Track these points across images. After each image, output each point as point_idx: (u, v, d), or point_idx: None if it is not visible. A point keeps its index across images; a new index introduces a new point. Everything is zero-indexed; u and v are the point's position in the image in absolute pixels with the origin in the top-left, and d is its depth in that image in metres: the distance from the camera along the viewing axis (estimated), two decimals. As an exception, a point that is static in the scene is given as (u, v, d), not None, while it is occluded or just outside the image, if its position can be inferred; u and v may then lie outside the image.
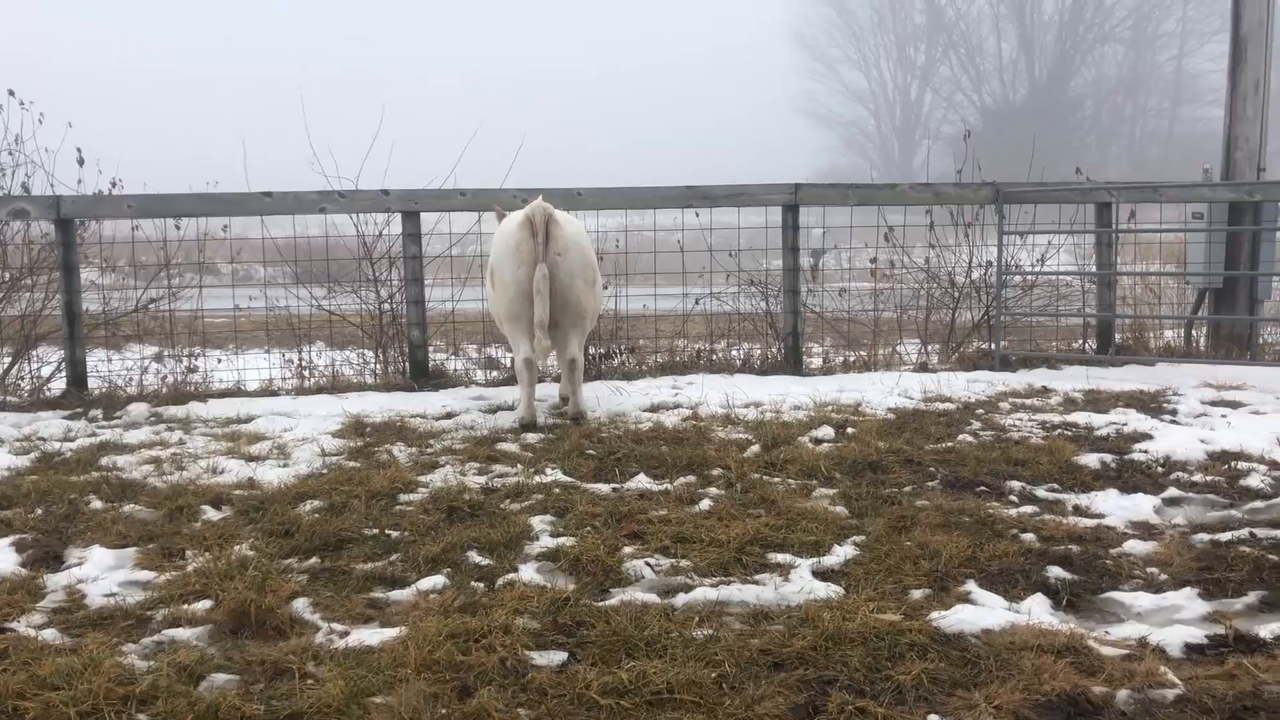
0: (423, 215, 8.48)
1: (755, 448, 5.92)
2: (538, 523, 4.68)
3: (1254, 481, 5.30)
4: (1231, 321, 9.48)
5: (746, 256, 9.65)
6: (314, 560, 4.34)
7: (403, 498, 5.13)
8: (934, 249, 9.85)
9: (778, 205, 8.86)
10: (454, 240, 8.98)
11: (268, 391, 8.38)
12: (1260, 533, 4.51)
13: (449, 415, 7.11)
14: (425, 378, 8.46)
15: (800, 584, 3.98)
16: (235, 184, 8.66)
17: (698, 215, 9.07)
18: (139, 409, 7.43)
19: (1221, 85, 9.87)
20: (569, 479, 5.40)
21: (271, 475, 5.56)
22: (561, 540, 4.46)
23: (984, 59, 59.93)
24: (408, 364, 8.61)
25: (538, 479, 5.38)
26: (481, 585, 4.03)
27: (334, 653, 3.45)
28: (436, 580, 4.07)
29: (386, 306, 8.97)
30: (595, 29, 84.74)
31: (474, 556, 4.32)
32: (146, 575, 4.22)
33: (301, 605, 3.86)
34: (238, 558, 4.27)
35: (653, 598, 3.87)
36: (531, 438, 6.34)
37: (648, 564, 4.19)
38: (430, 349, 8.87)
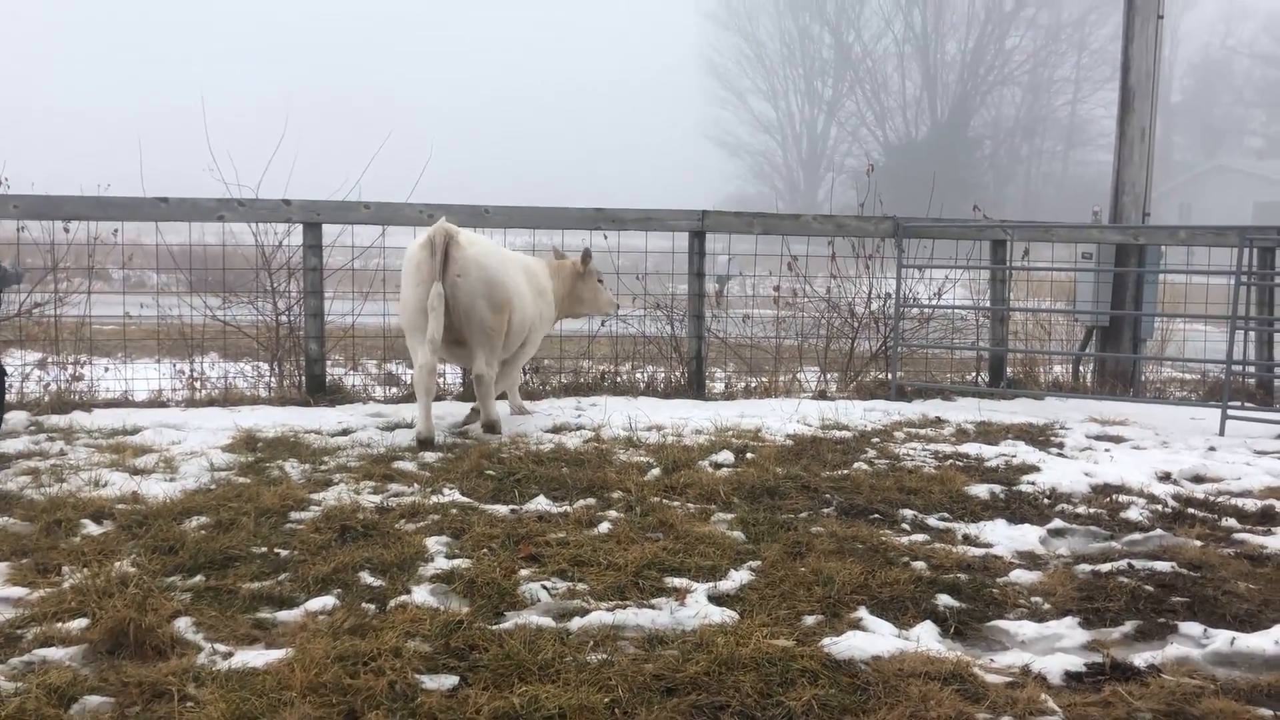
0: (325, 227, 8.33)
1: (656, 471, 5.94)
2: (433, 544, 4.61)
3: (1133, 514, 5.50)
4: (1116, 359, 9.83)
5: (653, 280, 9.70)
6: (199, 578, 4.20)
7: (294, 516, 5.01)
8: (835, 279, 10.02)
9: (685, 231, 8.93)
10: (356, 253, 8.83)
11: (157, 403, 8.11)
12: (1138, 564, 4.67)
13: (345, 432, 6.97)
14: (322, 393, 8.28)
15: (696, 608, 3.99)
16: (132, 189, 8.40)
17: (605, 238, 9.09)
18: (18, 417, 7.13)
19: (1111, 131, 10.27)
20: (467, 499, 5.34)
21: (157, 489, 5.38)
22: (457, 562, 4.40)
23: (888, 96, 61.50)
24: (304, 378, 8.43)
25: (435, 499, 5.30)
26: (373, 606, 3.95)
27: (216, 674, 3.34)
28: (326, 601, 3.98)
29: (284, 319, 8.77)
30: (509, 48, 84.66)
31: (366, 577, 4.23)
32: (18, 592, 4.04)
33: (184, 625, 3.74)
34: (118, 574, 4.11)
35: (548, 621, 3.85)
36: (430, 457, 6.26)
37: (544, 587, 4.15)
38: (328, 363, 8.69)
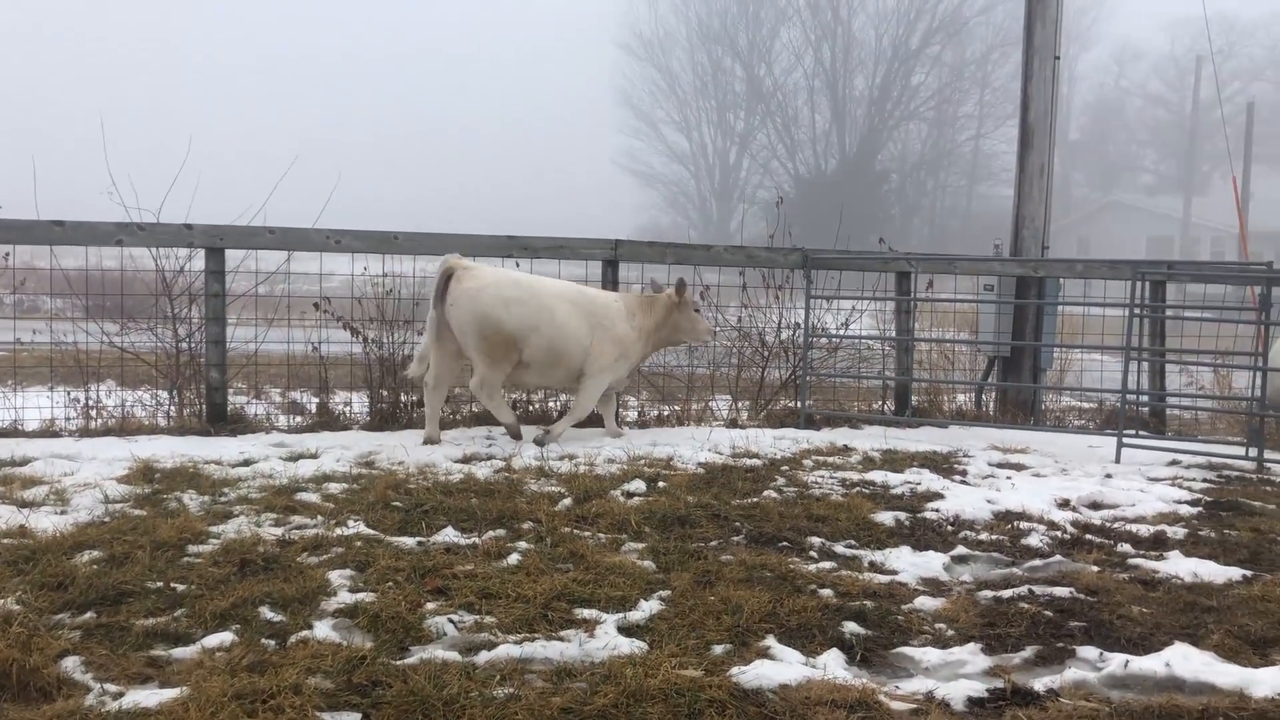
0: (228, 252, 8.15)
1: (567, 501, 5.90)
2: (336, 577, 4.51)
3: (1034, 541, 5.63)
4: (1017, 388, 10.09)
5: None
6: (89, 615, 4.04)
7: (191, 549, 4.85)
8: (746, 309, 10.13)
9: (598, 260, 8.95)
10: (260, 279, 8.65)
11: (48, 432, 7.82)
12: (1038, 590, 4.78)
13: (246, 462, 6.79)
14: (223, 422, 8.07)
15: (605, 640, 3.96)
16: (25, 211, 8.12)
17: (518, 265, 9.05)
18: (-103, 448, 6.81)
19: (1012, 166, 10.60)
20: (372, 531, 5.24)
21: (46, 523, 5.17)
22: (361, 596, 4.31)
23: (799, 129, 62.59)
24: (205, 407, 8.21)
25: (339, 531, 5.19)
26: (273, 642, 3.84)
27: (105, 715, 3.21)
28: (224, 637, 3.86)
29: (185, 345, 8.53)
30: (424, 80, 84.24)
31: (266, 612, 4.11)
32: (-109, 633, 3.83)
33: (72, 664, 3.59)
34: (1, 612, 3.93)
35: (454, 655, 3.78)
36: (334, 488, 6.13)
37: (451, 620, 4.09)
38: (230, 392, 8.49)
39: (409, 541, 5.11)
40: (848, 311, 10.32)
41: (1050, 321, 10.15)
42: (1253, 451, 8.01)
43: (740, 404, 9.82)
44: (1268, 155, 59.65)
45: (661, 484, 6.42)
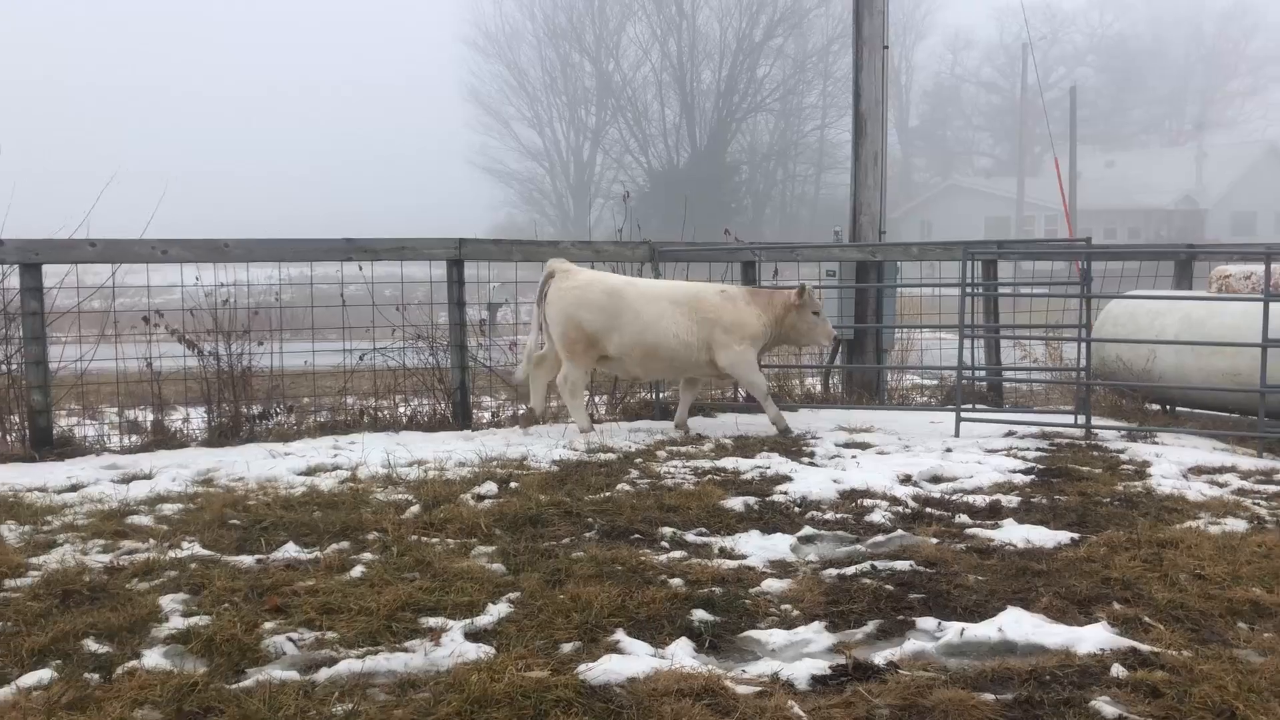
0: (46, 268, 7.71)
1: (415, 508, 5.79)
2: (168, 602, 4.31)
3: (877, 517, 5.78)
4: (862, 370, 10.38)
5: (418, 311, 9.52)
6: (-111, 665, 3.76)
7: (8, 584, 4.57)
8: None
9: (442, 260, 8.81)
10: (85, 294, 8.22)
11: None
12: (880, 565, 4.90)
13: (75, 487, 6.45)
14: (49, 446, 7.65)
15: (452, 647, 3.89)
16: None
17: (360, 268, 8.85)
18: None
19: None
20: (208, 552, 5.03)
21: None
22: (194, 620, 4.13)
23: (649, 123, 63.08)
24: (28, 432, 7.76)
25: (172, 554, 4.97)
26: (97, 676, 3.64)
27: (-96, 772, 2.99)
28: (42, 675, 3.64)
29: (2, 368, 8.04)
30: (270, 89, 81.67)
31: (90, 644, 3.90)
32: None
33: None
34: None
35: (293, 675, 3.66)
36: (168, 509, 5.86)
37: (290, 639, 3.95)
38: (58, 414, 8.05)
39: (247, 560, 4.92)
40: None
41: (890, 304, 10.45)
42: (1081, 419, 8.42)
43: (598, 399, 9.82)
44: (1093, 136, 63.08)
45: (514, 485, 6.36)
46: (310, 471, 6.83)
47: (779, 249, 10.37)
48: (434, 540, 5.23)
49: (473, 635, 4.03)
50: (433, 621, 4.15)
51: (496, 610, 4.26)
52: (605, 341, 8.08)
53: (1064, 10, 70.10)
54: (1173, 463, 7.08)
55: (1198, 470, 6.96)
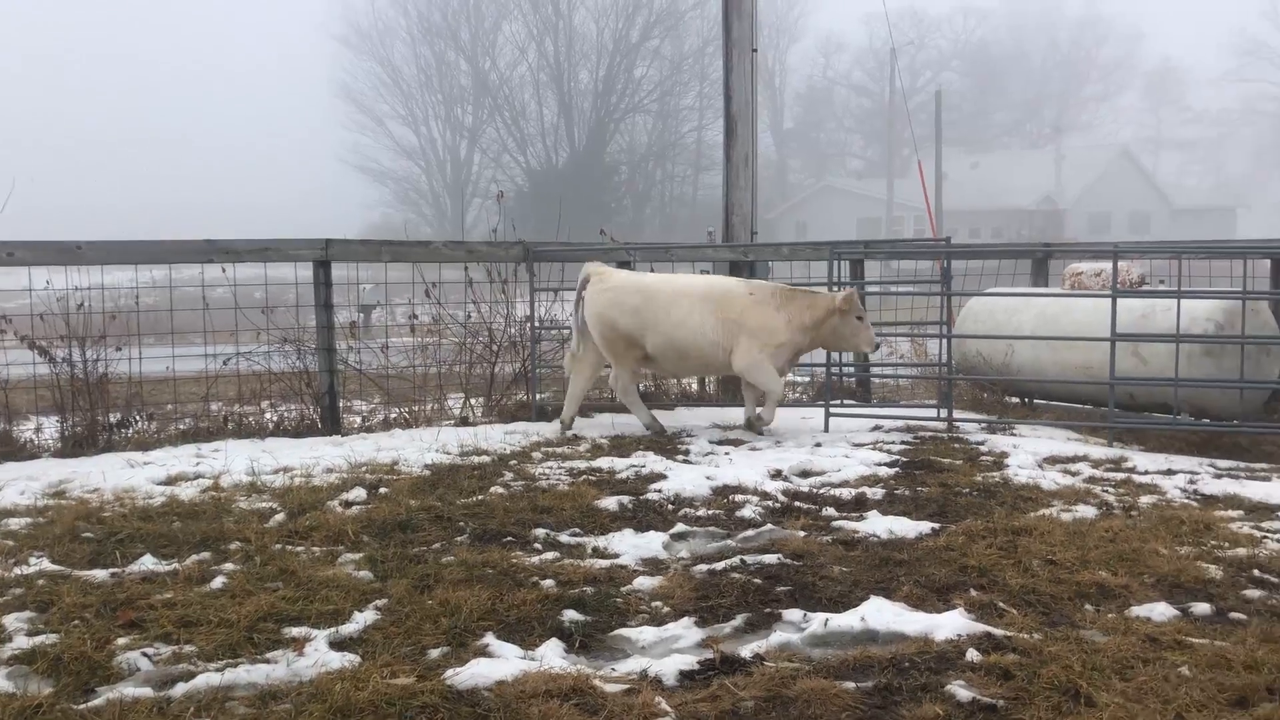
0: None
1: (280, 516, 5.64)
2: (13, 621, 4.12)
3: (748, 512, 5.87)
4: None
5: (286, 313, 9.28)
6: None
7: None
8: (475, 304, 10.03)
9: (308, 261, 8.61)
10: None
11: None
12: (749, 559, 4.98)
13: (-86, 503, 6.09)
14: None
15: (315, 657, 3.81)
16: None
17: (224, 270, 8.59)
18: None
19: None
20: (57, 567, 4.81)
21: None
22: (41, 639, 3.95)
23: (527, 123, 62.83)
24: None
25: (18, 570, 4.74)
26: (-70, 704, 3.45)
27: None
28: None
29: None
30: (130, 84, 78.51)
31: (-75, 670, 3.70)
32: None
33: None
34: None
35: (147, 691, 3.53)
36: (15, 523, 5.59)
37: (145, 654, 3.82)
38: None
39: (101, 574, 4.73)
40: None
41: (764, 302, 10.60)
42: (944, 413, 8.70)
43: (474, 401, 9.73)
44: (959, 138, 65.24)
45: (384, 490, 6.26)
46: (171, 481, 6.59)
47: (653, 249, 10.44)
48: (299, 549, 5.11)
49: (338, 644, 3.95)
50: (296, 631, 4.05)
51: (363, 618, 4.19)
52: (643, 340, 8.16)
53: (930, 16, 72.38)
54: (1029, 453, 7.38)
55: (1052, 460, 7.25)
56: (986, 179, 62.06)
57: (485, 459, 7.26)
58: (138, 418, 8.24)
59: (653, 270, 10.50)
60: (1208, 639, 3.93)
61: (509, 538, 5.34)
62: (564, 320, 10.15)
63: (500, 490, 6.29)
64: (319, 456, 7.23)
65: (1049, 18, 75.66)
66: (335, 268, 8.83)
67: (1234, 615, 4.23)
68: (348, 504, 5.94)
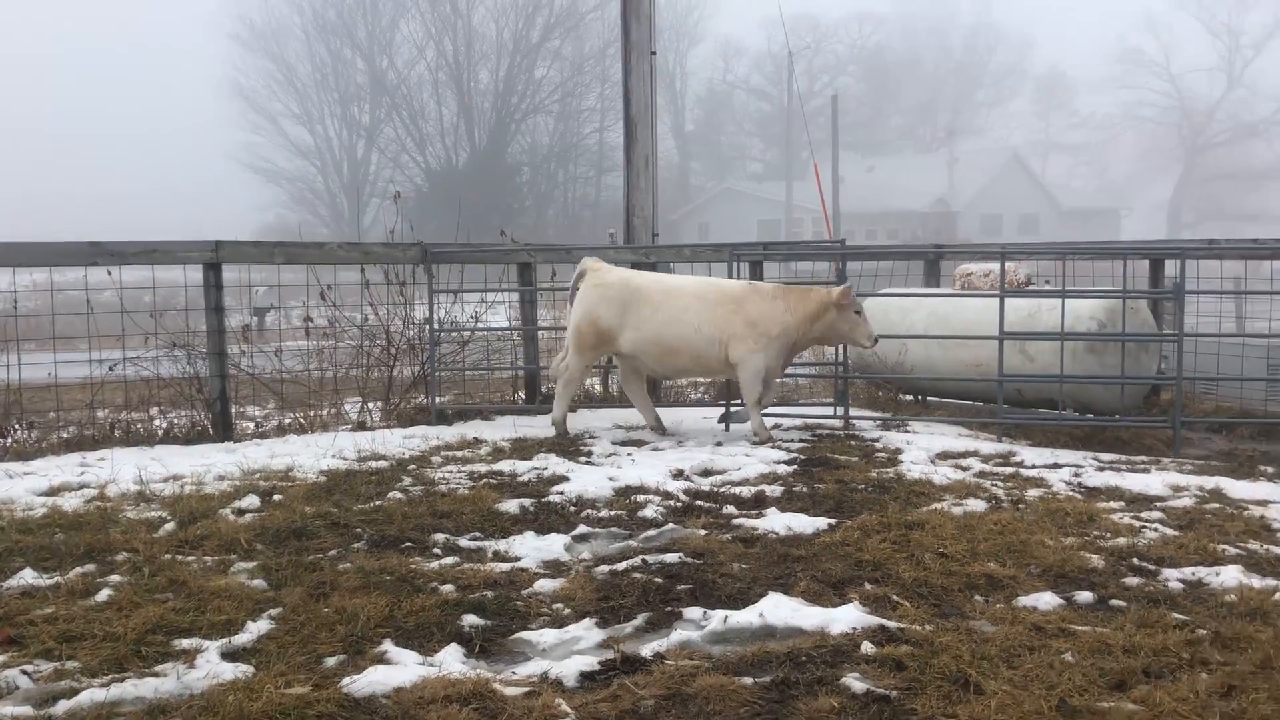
0: None
1: (170, 526, 5.48)
2: (-121, 642, 3.92)
3: (649, 512, 5.90)
4: (639, 368, 10.54)
5: (176, 317, 9.02)
6: None
7: None
8: (372, 307, 9.89)
9: (198, 263, 8.37)
10: None
11: None
12: (651, 559, 5.01)
13: None
14: None
15: (207, 669, 3.71)
16: None
17: (110, 273, 8.31)
18: None
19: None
20: (-72, 585, 4.60)
21: None
22: (-90, 660, 3.77)
23: (426, 122, 62.06)
24: None
25: (-116, 589, 4.52)
26: None
27: None
28: None
29: None
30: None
31: None
32: None
33: None
34: None
35: (26, 710, 3.41)
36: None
37: (24, 672, 3.67)
38: None
39: (-24, 590, 4.53)
40: (480, 304, 10.34)
41: (665, 303, 10.66)
42: (840, 411, 8.87)
43: (372, 405, 9.58)
44: (855, 142, 66.49)
45: (278, 497, 6.12)
46: (53, 491, 6.34)
47: (554, 250, 10.42)
48: (190, 559, 4.97)
49: (230, 655, 3.86)
50: (187, 643, 3.94)
51: (256, 627, 4.10)
52: (618, 338, 8.16)
53: (826, 22, 73.55)
54: (922, 449, 7.56)
55: (944, 455, 7.45)
56: (883, 182, 63.34)
57: (383, 464, 7.16)
58: (17, 427, 7.92)
59: (554, 272, 10.50)
60: (1090, 626, 4.08)
61: (408, 543, 5.27)
62: (464, 322, 10.09)
63: (399, 495, 6.21)
64: (211, 464, 7.04)
65: (942, 25, 77.61)
66: (226, 270, 8.62)
67: (1114, 602, 4.39)
68: (241, 512, 5.80)
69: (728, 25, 71.79)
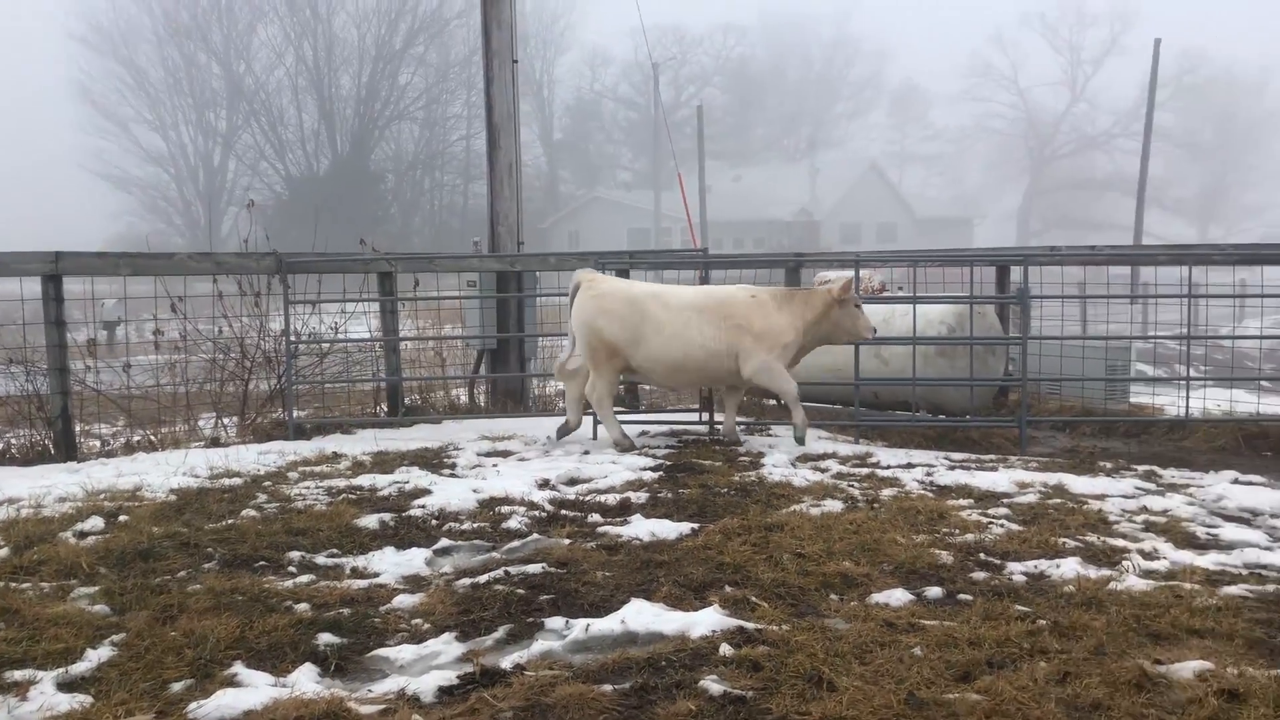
0: None
1: (3, 551, 5.20)
2: None
3: (514, 523, 5.86)
4: (506, 378, 10.50)
5: (14, 332, 8.56)
6: None
7: None
8: (227, 319, 9.58)
9: (36, 276, 7.97)
10: None
11: None
12: (514, 570, 4.97)
13: None
14: None
15: (41, 700, 3.54)
16: None
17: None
18: None
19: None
20: None
21: None
22: None
23: (286, 128, 60.43)
24: None
25: None
26: None
27: None
28: None
29: None
30: None
31: None
32: None
33: None
34: None
35: None
36: None
37: None
38: None
39: None
40: (344, 315, 10.11)
41: (532, 313, 10.64)
42: (705, 416, 8.98)
43: (228, 420, 9.28)
44: (723, 152, 67.56)
45: (124, 518, 5.86)
46: (-127, 519, 5.95)
47: (416, 259, 10.27)
48: (25, 585, 4.72)
49: (67, 685, 3.68)
50: (20, 674, 3.75)
51: (97, 655, 3.92)
52: (628, 353, 8.03)
53: (692, 33, 74.56)
54: (783, 452, 7.72)
55: (804, 458, 7.61)
56: (749, 191, 64.50)
57: (237, 481, 6.93)
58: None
59: (416, 282, 10.35)
60: (938, 620, 4.22)
61: (261, 562, 5.12)
62: (324, 333, 9.87)
63: (253, 513, 6.02)
64: (51, 485, 6.71)
65: (803, 38, 79.44)
66: (69, 282, 8.24)
67: (962, 597, 4.56)
68: (83, 534, 5.54)
69: (595, 34, 72.08)
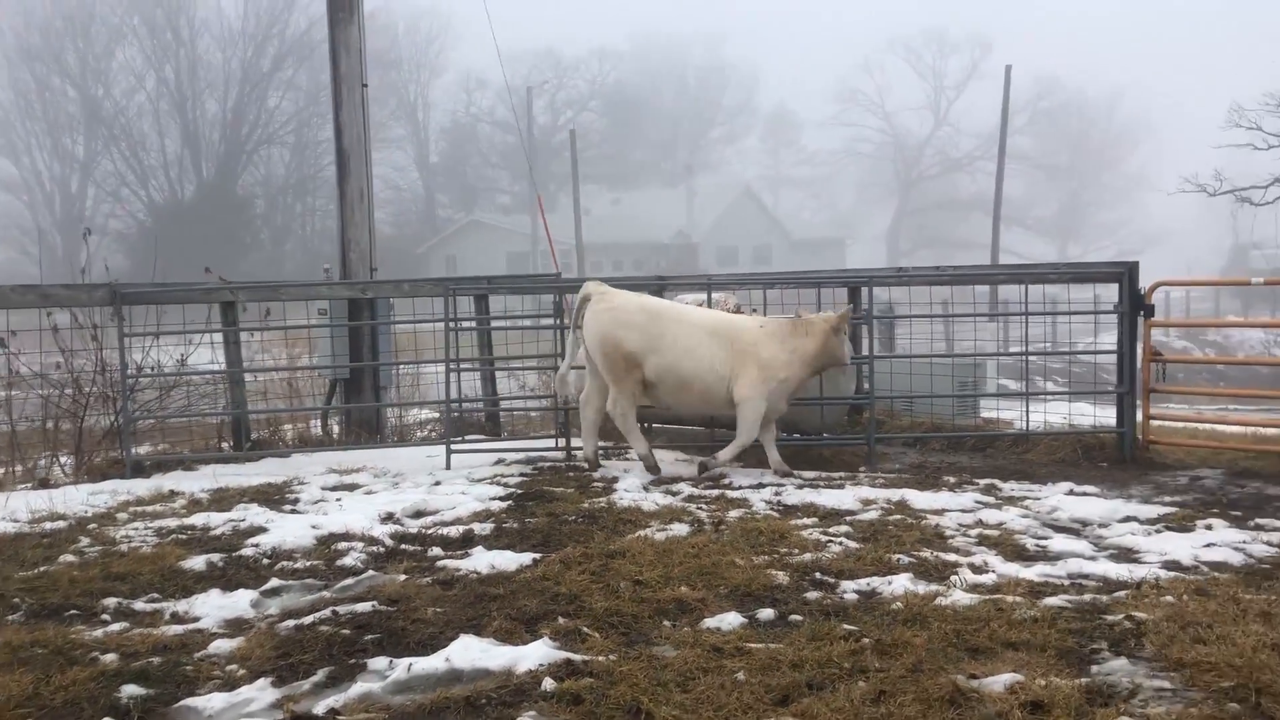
0: None
1: None
2: None
3: (350, 560, 5.69)
4: (360, 408, 10.24)
5: None
6: None
7: None
8: (61, 353, 9.12)
9: None
10: None
11: None
12: (342, 609, 4.81)
13: None
14: None
15: None
16: None
17: None
18: None
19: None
20: None
21: None
22: None
23: (148, 154, 58.39)
24: None
25: None
26: None
27: None
28: None
29: None
30: None
31: None
32: None
33: None
34: None
35: None
36: None
37: None
38: None
39: None
40: (190, 347, 9.72)
41: (386, 341, 10.42)
42: (562, 443, 8.90)
43: (62, 460, 8.82)
44: (600, 175, 67.83)
45: (-76, 568, 5.50)
46: None
47: (260, 288, 9.96)
48: None
49: None
50: None
51: None
52: (643, 362, 7.84)
53: (567, 57, 74.83)
54: (638, 477, 7.69)
55: (658, 482, 7.60)
56: (628, 214, 64.84)
57: (60, 524, 6.58)
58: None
59: (267, 311, 10.04)
60: (765, 643, 4.22)
61: (73, 610, 4.86)
62: (168, 366, 9.49)
63: (71, 558, 5.71)
64: None
65: (677, 63, 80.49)
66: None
67: (793, 618, 4.57)
68: None
69: (470, 57, 71.50)
